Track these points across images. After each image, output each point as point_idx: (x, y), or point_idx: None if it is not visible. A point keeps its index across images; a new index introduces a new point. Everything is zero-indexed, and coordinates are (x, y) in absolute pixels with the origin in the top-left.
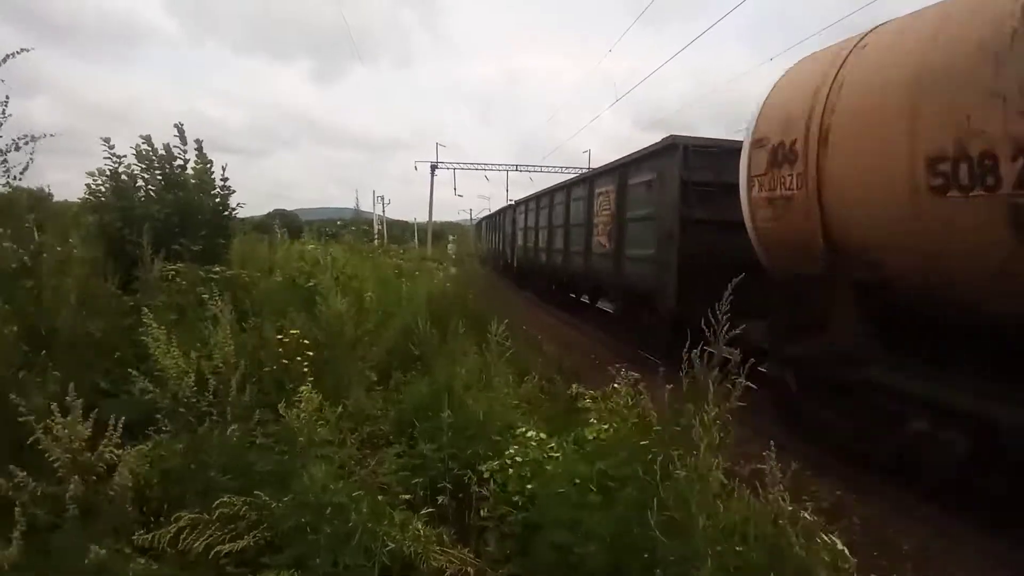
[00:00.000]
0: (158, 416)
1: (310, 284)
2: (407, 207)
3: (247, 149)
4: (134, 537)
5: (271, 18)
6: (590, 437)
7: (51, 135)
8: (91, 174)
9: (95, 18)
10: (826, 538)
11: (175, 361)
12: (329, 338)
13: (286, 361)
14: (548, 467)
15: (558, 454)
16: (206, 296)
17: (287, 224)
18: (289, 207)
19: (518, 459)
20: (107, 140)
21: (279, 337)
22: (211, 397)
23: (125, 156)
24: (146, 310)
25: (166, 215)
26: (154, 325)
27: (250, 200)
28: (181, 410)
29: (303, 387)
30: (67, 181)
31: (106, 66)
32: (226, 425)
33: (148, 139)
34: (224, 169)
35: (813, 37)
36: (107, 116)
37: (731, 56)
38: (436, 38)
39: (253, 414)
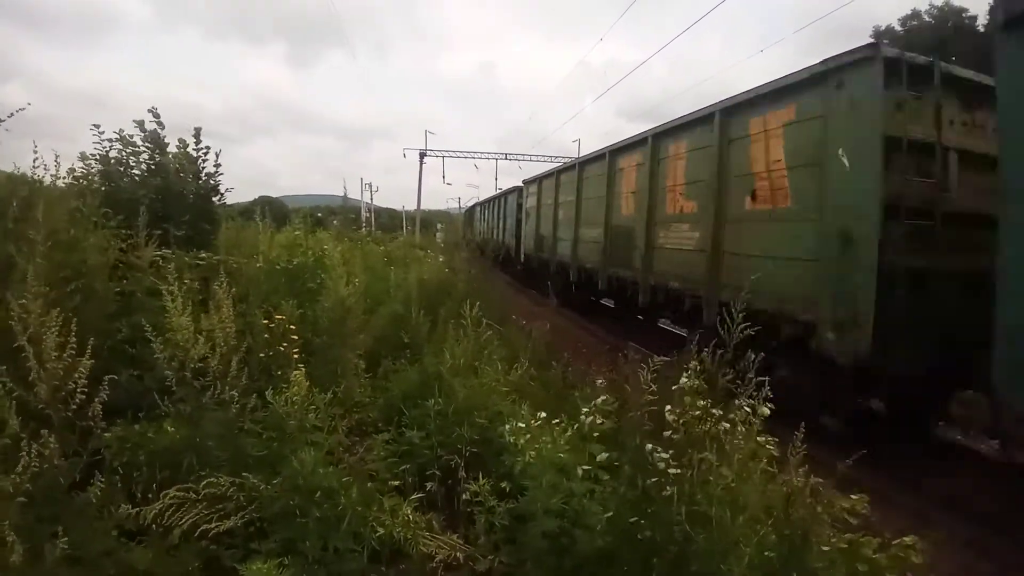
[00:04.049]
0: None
1: (294, 264)
2: (393, 196)
3: (224, 135)
4: (119, 510)
5: (244, 1)
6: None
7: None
8: (79, 157)
9: (66, 2)
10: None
11: (188, 323)
12: (320, 324)
13: (270, 349)
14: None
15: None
16: (194, 282)
17: (273, 212)
18: (274, 194)
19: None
20: (96, 126)
21: (266, 322)
22: (209, 377)
23: (116, 140)
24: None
25: (151, 200)
26: (173, 289)
27: (233, 186)
28: (187, 375)
29: (296, 372)
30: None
31: (78, 51)
32: (220, 407)
33: (141, 124)
34: (218, 155)
35: (793, 35)
36: (81, 101)
37: (704, 45)
38: (414, 25)
39: (245, 398)
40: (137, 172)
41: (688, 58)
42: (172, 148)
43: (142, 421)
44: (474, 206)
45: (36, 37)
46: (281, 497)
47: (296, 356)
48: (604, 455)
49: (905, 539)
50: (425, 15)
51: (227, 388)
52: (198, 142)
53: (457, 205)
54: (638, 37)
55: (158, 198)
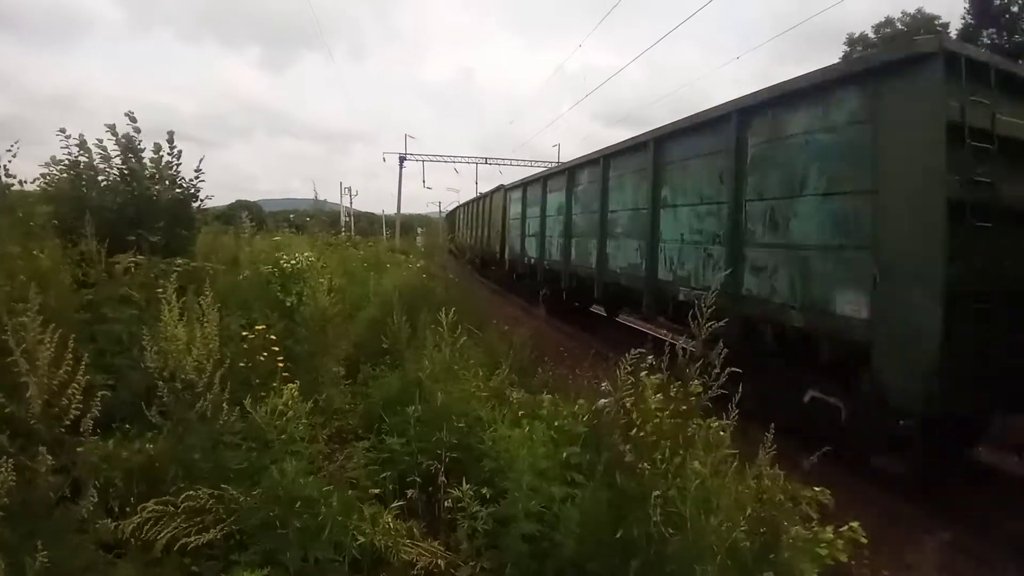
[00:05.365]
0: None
1: (292, 298)
2: (372, 200)
3: (200, 138)
4: (97, 525)
5: (216, 3)
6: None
7: None
8: (48, 162)
9: (36, 4)
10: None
11: (183, 334)
12: (305, 334)
13: (250, 358)
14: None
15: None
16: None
17: (251, 216)
18: (252, 198)
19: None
20: (63, 130)
21: (244, 333)
22: (199, 389)
23: (83, 145)
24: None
25: (119, 205)
26: (171, 297)
27: (209, 190)
28: (177, 385)
29: (289, 385)
30: (18, 171)
31: (51, 55)
32: (202, 420)
33: (112, 128)
34: (201, 161)
35: (768, 42)
36: (54, 104)
37: (680, 52)
38: (391, 29)
39: (227, 409)
40: (104, 179)
41: (664, 64)
42: (148, 152)
43: (116, 434)
44: (491, 195)
45: (8, 40)
46: (261, 508)
47: (280, 365)
48: (574, 452)
49: (852, 524)
50: (402, 18)
51: (210, 401)
52: (172, 145)
53: (438, 209)
54: (614, 43)
55: (130, 203)
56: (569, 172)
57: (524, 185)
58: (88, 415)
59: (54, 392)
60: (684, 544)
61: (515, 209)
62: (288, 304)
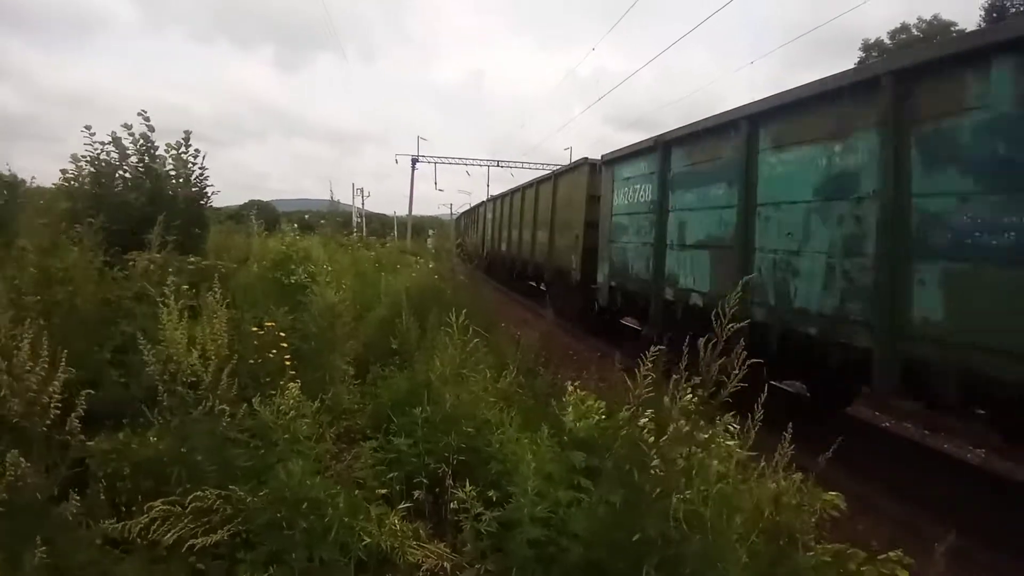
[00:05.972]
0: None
1: (295, 280)
2: (384, 201)
3: (214, 138)
4: (104, 525)
5: (230, 4)
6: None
7: None
8: (71, 159)
9: (51, 3)
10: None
11: (182, 336)
12: (314, 331)
13: (260, 355)
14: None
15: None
16: (184, 287)
17: (264, 215)
18: (265, 198)
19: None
20: (88, 127)
21: (254, 329)
22: (201, 389)
23: (107, 143)
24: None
25: (141, 204)
26: (170, 301)
27: (223, 190)
28: (179, 389)
29: (291, 384)
30: (33, 167)
31: (65, 53)
32: (208, 418)
33: (128, 127)
34: (204, 158)
35: (781, 48)
36: (70, 103)
37: (692, 56)
38: (404, 31)
39: (234, 407)
40: (129, 176)
41: (674, 68)
42: (161, 151)
43: (126, 429)
44: (556, 179)
45: (23, 39)
46: (267, 509)
47: (287, 363)
48: (583, 458)
49: (891, 554)
50: (412, 20)
51: (216, 401)
52: (187, 145)
53: (449, 211)
54: (625, 47)
55: (149, 202)
56: (897, 82)
57: (662, 148)
58: (73, 415)
59: (36, 390)
60: (704, 544)
61: (629, 195)
62: (295, 280)
